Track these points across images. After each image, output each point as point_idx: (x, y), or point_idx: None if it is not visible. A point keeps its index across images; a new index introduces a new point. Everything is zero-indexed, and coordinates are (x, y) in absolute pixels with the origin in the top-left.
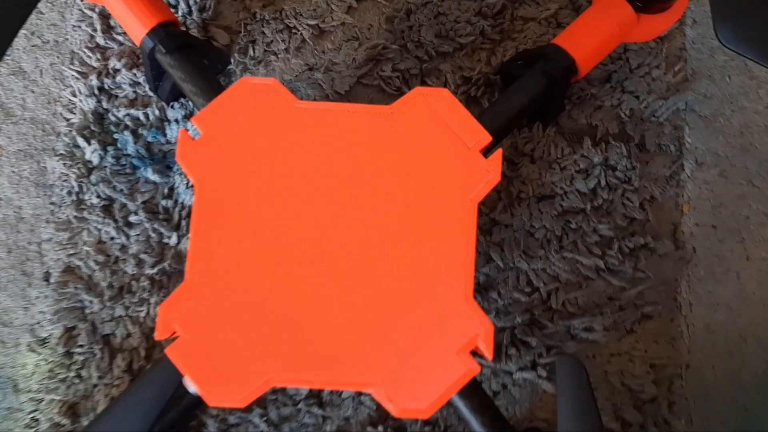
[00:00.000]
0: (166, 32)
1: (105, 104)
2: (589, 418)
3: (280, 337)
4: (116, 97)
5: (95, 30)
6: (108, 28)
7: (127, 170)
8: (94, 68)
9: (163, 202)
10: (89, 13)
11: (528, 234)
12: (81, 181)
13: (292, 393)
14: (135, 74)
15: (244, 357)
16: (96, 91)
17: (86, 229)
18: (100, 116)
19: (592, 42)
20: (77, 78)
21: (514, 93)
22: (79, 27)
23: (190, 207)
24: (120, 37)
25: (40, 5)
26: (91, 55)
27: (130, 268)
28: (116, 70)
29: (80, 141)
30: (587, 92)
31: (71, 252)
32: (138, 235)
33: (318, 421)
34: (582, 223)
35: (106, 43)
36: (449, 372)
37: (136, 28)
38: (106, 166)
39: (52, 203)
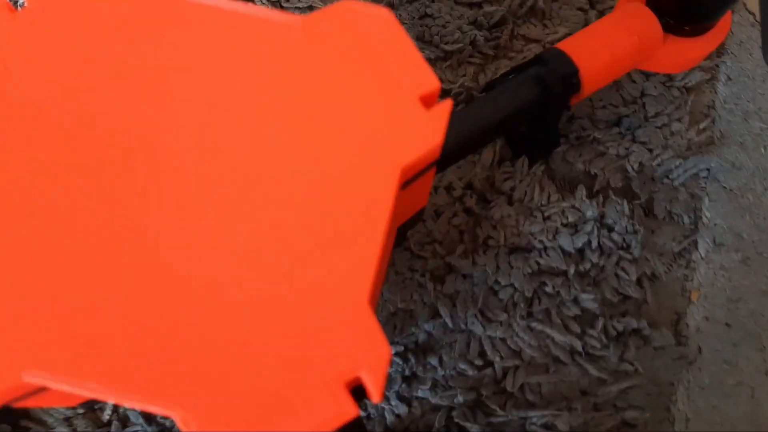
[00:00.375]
0: None
1: None
2: None
3: (57, 313)
4: None
5: None
6: None
7: None
8: None
9: None
10: None
11: (490, 291)
12: None
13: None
14: None
15: None
16: None
17: None
18: None
19: (604, 52)
20: None
21: (497, 96)
22: None
23: None
24: None
25: None
26: None
27: None
28: None
29: None
30: (589, 134)
31: None
32: None
33: None
34: (561, 289)
35: None
36: (309, 410)
37: None
38: None
39: None
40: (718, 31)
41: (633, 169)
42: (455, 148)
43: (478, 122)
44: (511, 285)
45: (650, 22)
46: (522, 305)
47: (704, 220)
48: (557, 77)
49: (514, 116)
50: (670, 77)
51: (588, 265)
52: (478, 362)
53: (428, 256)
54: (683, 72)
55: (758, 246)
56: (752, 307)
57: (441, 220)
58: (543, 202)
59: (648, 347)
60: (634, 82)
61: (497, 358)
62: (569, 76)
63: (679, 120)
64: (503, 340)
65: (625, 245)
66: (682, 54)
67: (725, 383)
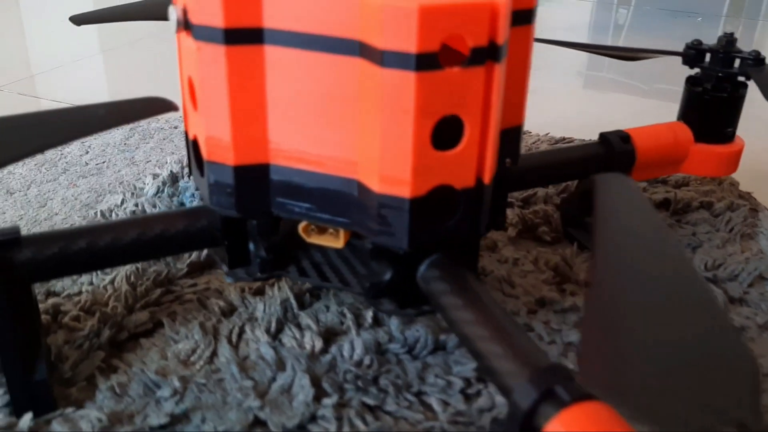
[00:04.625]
0: None
1: None
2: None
3: None
4: None
5: None
6: None
7: None
8: None
9: None
10: None
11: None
12: None
13: None
14: None
15: None
16: None
17: None
18: None
19: (652, 131)
20: None
21: (570, 146)
22: None
23: None
24: None
25: None
26: None
27: None
28: None
29: None
30: None
31: None
32: None
33: None
34: None
35: None
36: None
37: None
38: None
39: None
40: (735, 144)
41: (700, 268)
42: (537, 171)
43: (545, 158)
44: None
45: (682, 127)
46: None
47: None
48: (615, 136)
49: (581, 162)
50: (716, 228)
51: None
52: None
53: None
54: (726, 219)
55: None
56: None
57: (525, 273)
58: None
59: None
60: (686, 226)
61: None
62: (625, 137)
63: (732, 246)
64: None
65: None
66: (711, 155)
67: None
